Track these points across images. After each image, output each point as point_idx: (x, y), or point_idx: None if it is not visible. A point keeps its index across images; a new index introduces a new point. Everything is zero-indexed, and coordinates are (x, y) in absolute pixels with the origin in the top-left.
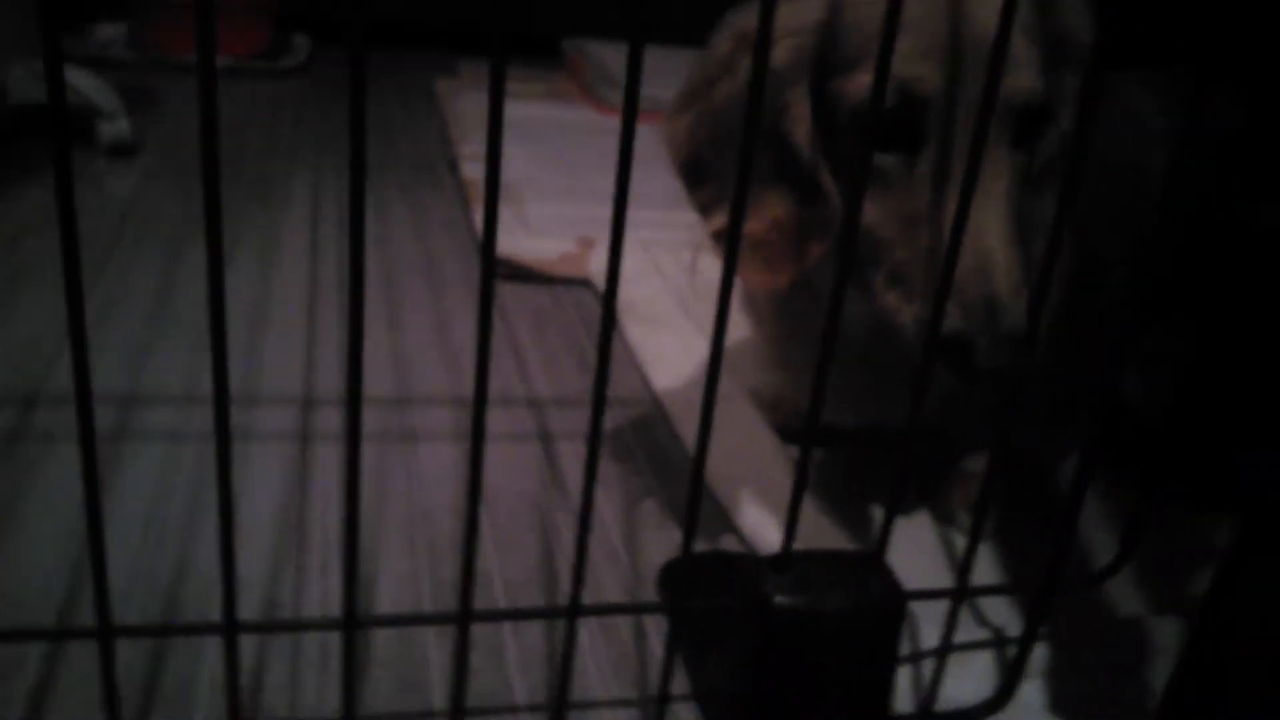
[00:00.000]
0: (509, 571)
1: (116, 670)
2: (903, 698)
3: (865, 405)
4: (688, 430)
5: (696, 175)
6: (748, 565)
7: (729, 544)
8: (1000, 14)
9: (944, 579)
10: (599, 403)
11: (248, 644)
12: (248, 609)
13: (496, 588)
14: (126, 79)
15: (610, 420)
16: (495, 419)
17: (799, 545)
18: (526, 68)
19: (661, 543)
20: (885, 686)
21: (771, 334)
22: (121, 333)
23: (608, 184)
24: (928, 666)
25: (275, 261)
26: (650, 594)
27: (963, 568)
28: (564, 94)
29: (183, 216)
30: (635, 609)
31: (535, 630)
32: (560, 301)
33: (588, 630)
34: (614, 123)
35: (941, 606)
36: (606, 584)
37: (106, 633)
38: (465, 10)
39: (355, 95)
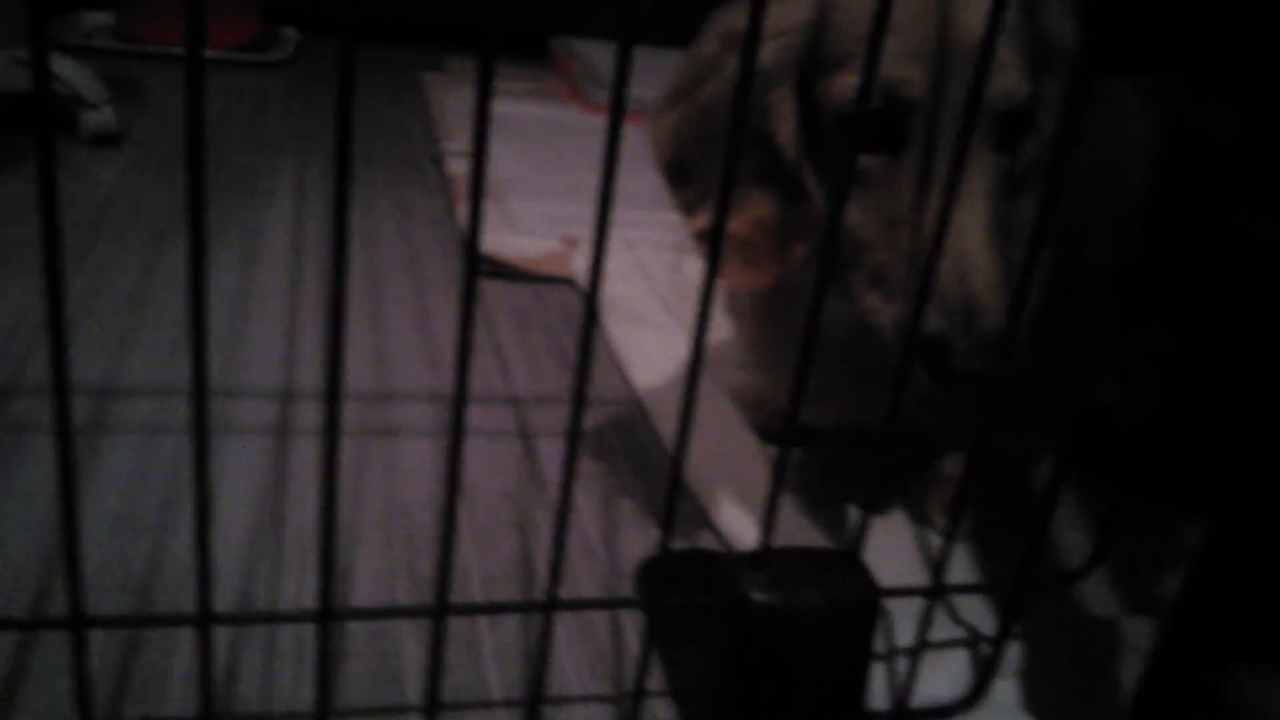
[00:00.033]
0: (486, 567)
1: (89, 662)
2: (878, 695)
3: (845, 405)
4: (667, 429)
5: (681, 175)
6: (725, 563)
7: (707, 542)
8: (987, 17)
9: (920, 578)
10: (579, 400)
11: (222, 637)
12: (223, 602)
13: (474, 583)
14: (112, 68)
15: (590, 418)
16: (475, 416)
17: (776, 544)
18: (514, 66)
19: (639, 540)
20: (860, 683)
21: (753, 334)
22: (101, 323)
23: (593, 183)
24: (903, 664)
25: (258, 254)
26: (627, 591)
27: (938, 566)
28: (552, 93)
29: (166, 208)
30: (612, 604)
31: (512, 625)
32: (543, 299)
33: (564, 626)
34: (601, 122)
35: (917, 605)
36: (584, 581)
37: (79, 623)
38: (454, 6)
39: (343, 89)
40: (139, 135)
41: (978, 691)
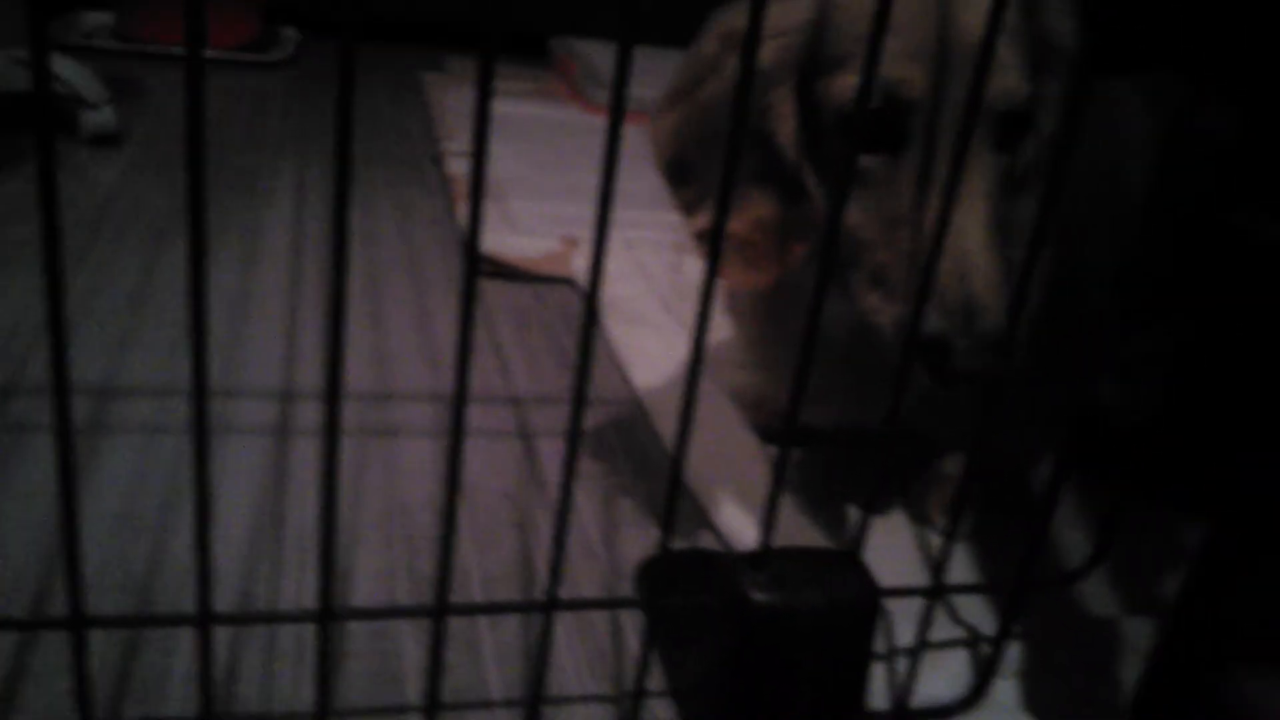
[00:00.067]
0: (486, 567)
1: (89, 662)
2: (878, 695)
3: (845, 405)
4: (667, 429)
5: (681, 175)
6: (725, 563)
7: (707, 542)
8: (986, 17)
9: (920, 578)
10: (579, 400)
11: (222, 637)
12: (223, 603)
13: (474, 583)
14: (112, 68)
15: (591, 419)
16: (475, 416)
17: (776, 544)
18: (515, 66)
19: (639, 540)
20: (861, 683)
21: (753, 334)
22: (101, 324)
23: (593, 183)
24: (903, 664)
25: (258, 254)
26: (627, 591)
27: (938, 566)
28: (552, 93)
29: (166, 208)
30: (612, 604)
31: (512, 625)
32: (543, 299)
33: (564, 626)
34: (601, 122)
35: (917, 605)
36: (584, 581)
37: (79, 622)
38: (454, 6)
39: (343, 89)
40: (139, 135)
41: (978, 691)
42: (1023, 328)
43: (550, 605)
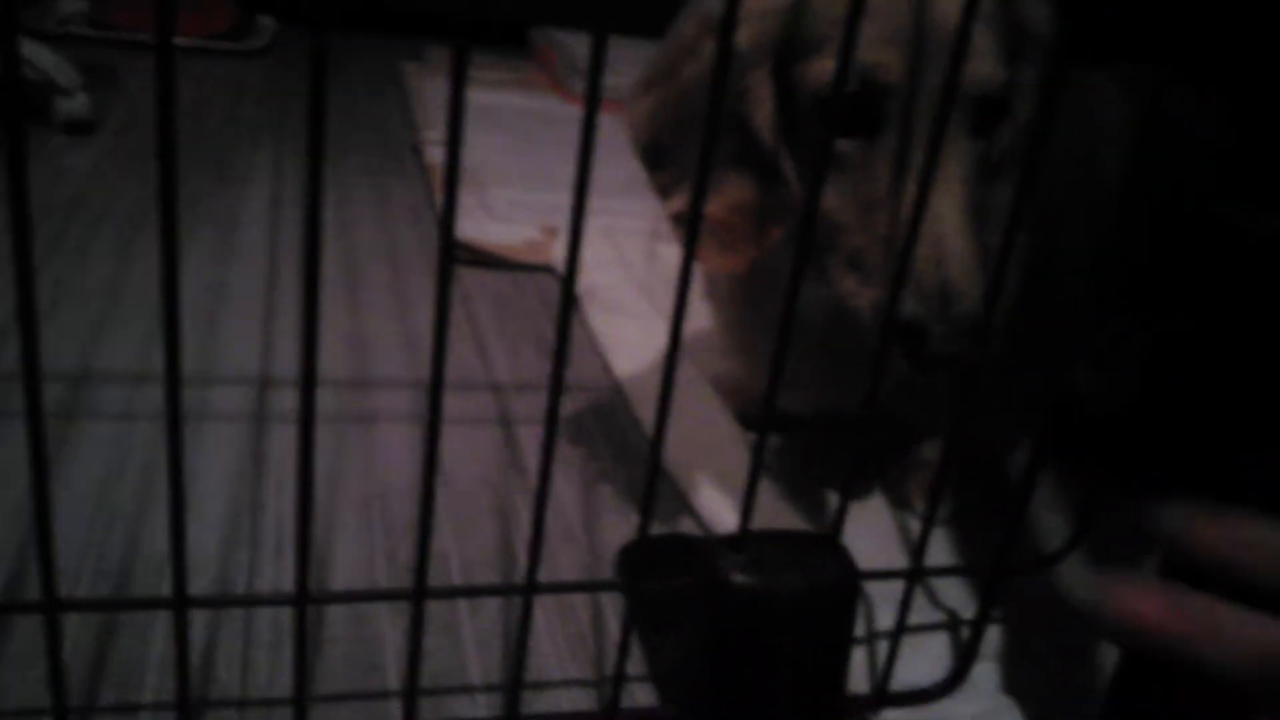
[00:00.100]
0: (466, 552)
1: (63, 648)
2: (858, 678)
3: (823, 390)
4: (647, 414)
5: (657, 158)
6: (704, 547)
7: (687, 527)
8: (962, 3)
9: (900, 562)
10: (557, 383)
11: (198, 623)
12: (200, 590)
13: (453, 568)
14: (87, 56)
15: (570, 405)
16: (454, 403)
17: (756, 528)
18: (494, 56)
19: (619, 525)
20: (841, 666)
21: (731, 319)
22: (75, 310)
23: (573, 173)
24: (883, 647)
25: (234, 243)
26: (607, 575)
27: (917, 549)
28: (532, 83)
29: (140, 195)
30: (592, 586)
31: (492, 610)
32: (522, 287)
33: (544, 611)
34: (581, 112)
35: (897, 590)
36: (564, 565)
37: (52, 606)
38: None
39: (316, 76)
40: (114, 123)
41: (958, 675)
42: (999, 313)
43: (530, 589)
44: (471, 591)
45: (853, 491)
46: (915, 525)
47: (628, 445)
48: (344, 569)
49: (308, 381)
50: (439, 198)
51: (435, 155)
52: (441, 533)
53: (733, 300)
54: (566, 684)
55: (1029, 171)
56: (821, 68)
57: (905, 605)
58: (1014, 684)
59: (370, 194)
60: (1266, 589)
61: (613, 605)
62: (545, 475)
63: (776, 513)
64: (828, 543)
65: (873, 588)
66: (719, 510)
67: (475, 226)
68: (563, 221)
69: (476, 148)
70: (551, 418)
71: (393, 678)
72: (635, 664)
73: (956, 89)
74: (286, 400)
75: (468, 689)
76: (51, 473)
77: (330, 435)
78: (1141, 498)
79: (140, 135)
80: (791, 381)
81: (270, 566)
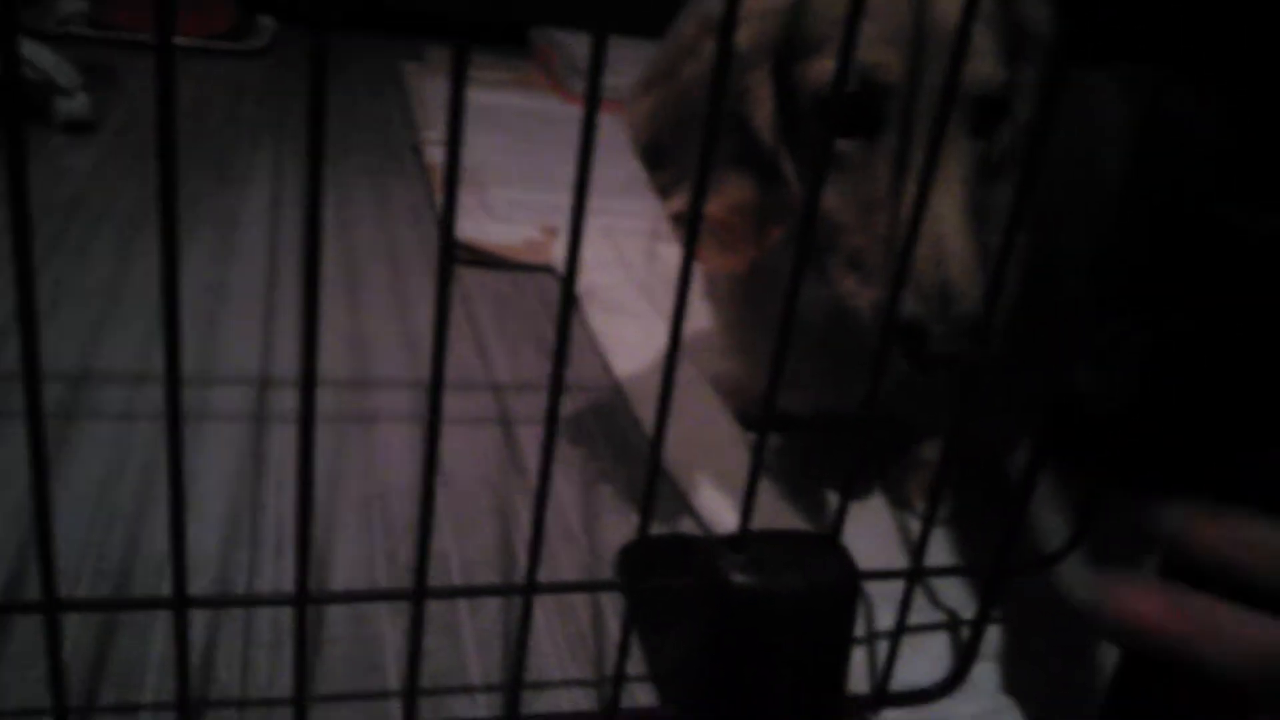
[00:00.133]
0: (466, 552)
1: (63, 648)
2: (858, 678)
3: (823, 391)
4: (647, 414)
5: (657, 157)
6: (704, 547)
7: (687, 527)
8: (962, 3)
9: (900, 562)
10: (557, 383)
11: (198, 623)
12: (200, 590)
13: (453, 568)
14: (87, 55)
15: (570, 405)
16: (455, 403)
17: (756, 527)
18: (495, 56)
19: (619, 526)
20: (840, 666)
21: (731, 319)
22: (75, 310)
23: (573, 173)
24: (883, 647)
25: (234, 243)
26: (607, 575)
27: (917, 549)
28: (533, 84)
29: (140, 195)
30: (592, 586)
31: (492, 610)
32: (522, 287)
33: (544, 611)
34: (581, 112)
35: (897, 590)
36: (564, 565)
37: (52, 606)
38: None
39: (316, 76)
40: (114, 123)
41: (958, 674)
42: (999, 313)
43: (530, 589)
44: (471, 591)
45: (853, 491)
46: (915, 525)
47: (628, 445)
48: (344, 569)
49: (308, 381)
50: (439, 198)
51: (435, 155)
52: (441, 533)
53: (733, 300)
54: (566, 684)
55: (1029, 171)
56: (821, 68)
57: (905, 605)
58: (1014, 684)
59: (370, 194)
60: (1266, 589)
61: (613, 605)
62: (545, 475)
63: (776, 513)
64: (828, 543)
65: (873, 588)
66: (719, 510)
67: (475, 226)
68: (563, 221)
69: (476, 148)
70: (551, 418)
71: (393, 678)
72: (635, 664)
73: (956, 89)
74: (286, 400)
75: (468, 689)
76: (51, 473)
77: (330, 435)
78: (1141, 498)
79: (140, 135)
80: (791, 381)
81: (270, 566)
